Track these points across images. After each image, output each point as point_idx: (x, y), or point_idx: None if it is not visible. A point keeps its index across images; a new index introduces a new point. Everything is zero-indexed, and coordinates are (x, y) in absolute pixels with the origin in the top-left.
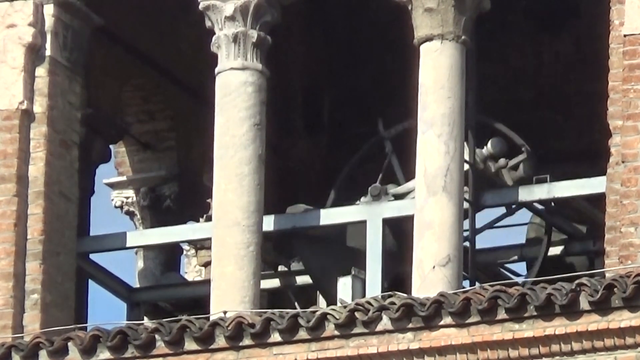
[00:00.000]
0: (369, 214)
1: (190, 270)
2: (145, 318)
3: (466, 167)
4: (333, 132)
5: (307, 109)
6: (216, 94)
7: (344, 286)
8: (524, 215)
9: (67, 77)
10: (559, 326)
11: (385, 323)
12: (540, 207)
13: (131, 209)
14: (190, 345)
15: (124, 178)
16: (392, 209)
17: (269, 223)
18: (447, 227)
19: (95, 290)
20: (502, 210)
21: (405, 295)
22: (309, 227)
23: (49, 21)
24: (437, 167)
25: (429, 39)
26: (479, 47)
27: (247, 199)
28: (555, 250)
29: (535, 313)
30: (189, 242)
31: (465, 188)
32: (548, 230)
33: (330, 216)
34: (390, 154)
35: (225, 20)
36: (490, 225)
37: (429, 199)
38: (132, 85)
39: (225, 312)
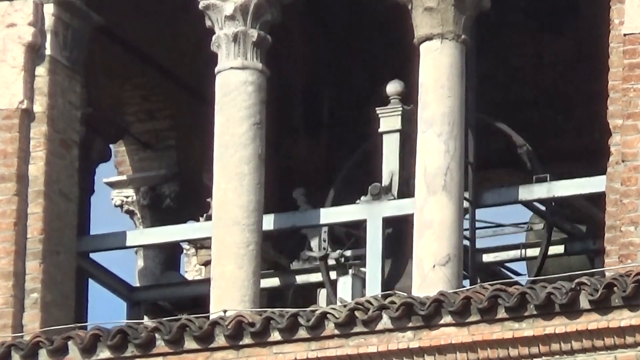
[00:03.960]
0: (369, 213)
1: (190, 269)
2: (145, 317)
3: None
4: (333, 132)
5: (307, 108)
6: (216, 93)
7: (344, 285)
8: (524, 214)
9: (67, 77)
10: (559, 325)
11: (385, 322)
12: (540, 206)
13: (131, 208)
14: (190, 344)
15: (124, 177)
16: (392, 208)
17: (268, 222)
18: (447, 226)
19: (95, 290)
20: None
21: (405, 294)
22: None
23: (49, 20)
24: (437, 167)
25: (429, 38)
26: (479, 46)
27: (247, 198)
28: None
29: (535, 312)
30: (189, 241)
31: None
32: (548, 229)
33: (330, 215)
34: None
35: (225, 19)
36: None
37: (429, 198)
38: (132, 85)
39: (225, 311)
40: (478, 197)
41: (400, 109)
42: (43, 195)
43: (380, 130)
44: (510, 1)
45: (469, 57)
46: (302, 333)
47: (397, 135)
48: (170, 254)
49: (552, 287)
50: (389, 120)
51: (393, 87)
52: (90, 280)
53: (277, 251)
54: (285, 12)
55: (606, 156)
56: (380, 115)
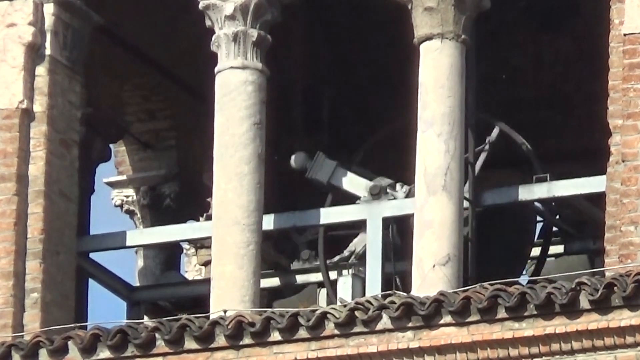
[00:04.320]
0: (369, 213)
1: (190, 269)
2: (145, 317)
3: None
4: (333, 131)
5: (307, 108)
6: (216, 93)
7: (344, 285)
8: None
9: (67, 76)
10: (559, 325)
11: (385, 322)
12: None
13: (131, 208)
14: (190, 344)
15: (124, 177)
16: (392, 208)
17: (268, 222)
18: (447, 226)
19: (95, 289)
20: None
21: (405, 294)
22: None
23: (49, 20)
24: (437, 167)
25: (429, 38)
26: (478, 46)
27: (247, 198)
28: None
29: (535, 312)
30: (189, 241)
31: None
32: (548, 229)
33: (330, 215)
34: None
35: (225, 19)
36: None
37: (429, 198)
38: (132, 85)
39: (225, 311)
40: (478, 197)
41: (322, 156)
42: (43, 195)
43: (326, 182)
44: (510, 1)
45: (469, 57)
46: (302, 333)
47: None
48: (170, 253)
49: (552, 287)
50: (322, 173)
51: (298, 159)
52: (90, 280)
53: (277, 251)
54: (285, 12)
55: (606, 156)
56: (312, 176)
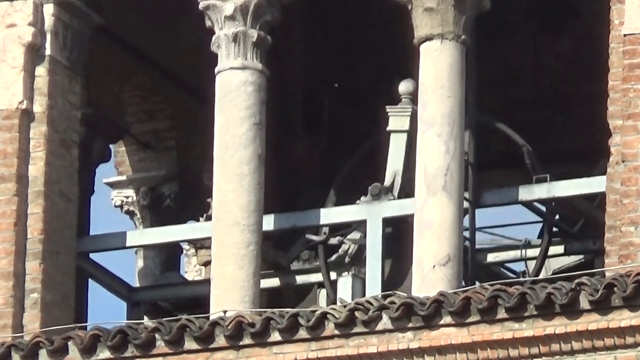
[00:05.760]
0: (369, 214)
1: (190, 269)
2: (145, 317)
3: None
4: (333, 132)
5: (307, 109)
6: (216, 93)
7: (344, 286)
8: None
9: (67, 77)
10: (559, 325)
11: (385, 322)
12: (540, 206)
13: (131, 208)
14: (190, 344)
15: (123, 177)
16: (392, 208)
17: (268, 222)
18: (447, 226)
19: (95, 290)
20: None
21: (405, 294)
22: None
23: (48, 21)
24: (437, 167)
25: (429, 38)
26: (479, 46)
27: (247, 199)
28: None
29: (535, 312)
30: (189, 241)
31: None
32: (548, 229)
33: (330, 216)
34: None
35: (225, 19)
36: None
37: (429, 198)
38: (132, 85)
39: (225, 312)
40: (478, 197)
41: (410, 109)
42: (43, 195)
43: (388, 128)
44: (510, 1)
45: (469, 57)
46: (302, 333)
47: (404, 136)
48: (170, 254)
49: (552, 287)
50: (398, 120)
51: (405, 87)
52: (90, 280)
53: (277, 251)
54: (285, 12)
55: (606, 156)
56: (390, 114)
